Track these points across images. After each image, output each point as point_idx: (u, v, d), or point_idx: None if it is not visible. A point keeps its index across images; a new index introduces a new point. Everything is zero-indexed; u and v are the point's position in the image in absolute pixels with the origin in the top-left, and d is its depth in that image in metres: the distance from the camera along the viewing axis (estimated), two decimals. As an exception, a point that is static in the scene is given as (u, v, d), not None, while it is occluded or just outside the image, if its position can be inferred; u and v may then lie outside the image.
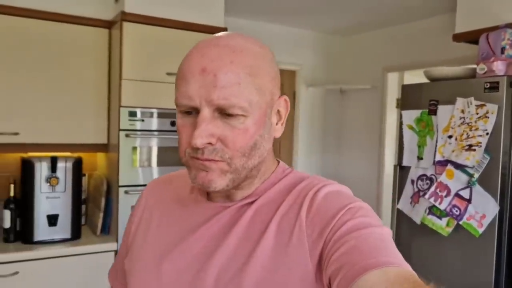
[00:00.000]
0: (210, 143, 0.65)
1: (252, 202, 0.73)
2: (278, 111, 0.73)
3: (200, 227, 0.74)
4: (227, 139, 0.65)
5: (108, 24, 2.55)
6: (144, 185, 2.45)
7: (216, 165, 0.66)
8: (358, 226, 0.63)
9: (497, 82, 2.03)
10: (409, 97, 2.48)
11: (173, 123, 2.52)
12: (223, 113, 0.65)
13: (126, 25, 2.37)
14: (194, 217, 0.76)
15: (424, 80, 2.46)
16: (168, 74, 2.48)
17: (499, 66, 2.07)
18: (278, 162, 0.80)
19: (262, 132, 0.69)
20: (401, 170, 2.49)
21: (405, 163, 2.47)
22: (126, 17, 2.36)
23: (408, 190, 2.44)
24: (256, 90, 0.66)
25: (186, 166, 0.71)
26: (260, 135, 0.68)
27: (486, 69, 2.10)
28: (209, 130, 0.64)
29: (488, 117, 2.04)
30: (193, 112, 0.66)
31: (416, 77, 3.28)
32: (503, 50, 2.09)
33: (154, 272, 0.75)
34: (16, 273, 2.15)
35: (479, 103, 2.08)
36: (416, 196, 2.38)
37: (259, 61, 0.67)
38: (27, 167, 2.31)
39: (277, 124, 0.73)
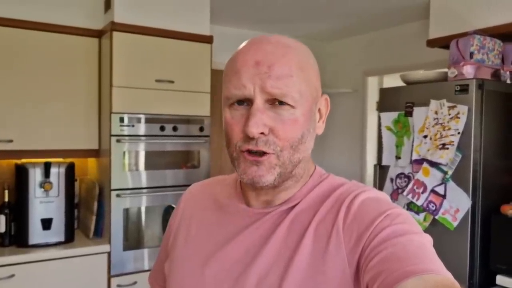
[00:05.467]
0: (263, 133, 0.66)
1: (291, 209, 0.73)
2: (319, 110, 0.75)
3: (240, 233, 0.75)
4: (278, 129, 0.67)
5: (98, 34, 2.64)
6: (133, 189, 2.54)
7: (267, 160, 0.68)
8: (396, 232, 0.62)
9: (467, 85, 2.17)
10: (387, 100, 2.62)
11: (162, 128, 2.61)
12: (274, 104, 0.67)
13: (116, 35, 2.46)
14: (234, 224, 0.77)
15: (401, 83, 2.60)
16: (157, 81, 2.58)
17: (468, 70, 2.22)
18: (315, 166, 0.80)
19: (309, 125, 0.70)
20: (381, 169, 2.62)
21: (384, 162, 2.60)
22: (115, 27, 2.45)
23: (388, 188, 2.56)
24: (305, 83, 0.69)
25: (233, 162, 0.71)
26: (307, 128, 0.70)
27: (456, 73, 2.24)
28: (263, 119, 0.66)
29: (459, 118, 2.18)
30: (244, 103, 0.68)
31: (395, 80, 3.43)
32: (471, 55, 2.24)
33: (195, 277, 0.76)
34: (12, 276, 2.22)
35: (450, 104, 2.22)
36: (395, 194, 2.51)
37: (307, 58, 0.71)
38: (21, 173, 2.39)
39: (318, 121, 0.75)
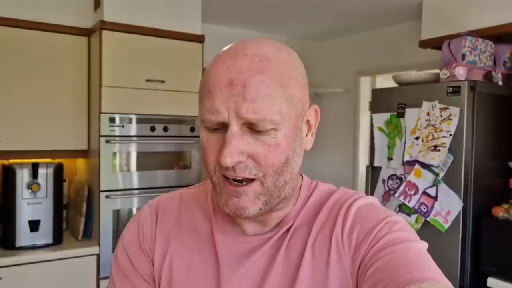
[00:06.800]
0: (240, 161, 0.60)
1: (288, 229, 0.70)
2: (308, 121, 0.68)
3: (243, 263, 0.69)
4: (259, 156, 0.60)
5: (87, 32, 2.60)
6: (124, 190, 2.51)
7: (250, 188, 0.62)
8: (394, 240, 0.61)
9: (459, 87, 2.16)
10: (379, 100, 2.61)
11: (152, 129, 2.58)
12: (253, 127, 0.59)
13: (105, 33, 2.43)
14: (232, 253, 0.70)
15: (394, 83, 2.59)
16: (147, 80, 2.55)
17: (460, 72, 2.21)
18: (302, 177, 0.76)
19: (294, 145, 0.63)
20: (373, 171, 2.61)
21: (376, 163, 2.59)
22: (105, 25, 2.42)
23: (380, 189, 2.56)
24: (286, 101, 0.60)
25: (215, 187, 0.65)
26: (292, 149, 0.63)
27: (448, 74, 2.24)
28: (239, 147, 0.59)
29: (451, 119, 2.18)
30: (219, 128, 0.61)
31: (388, 80, 3.42)
32: (463, 56, 2.23)
33: None
34: (-1, 278, 2.19)
35: (442, 106, 2.21)
36: (387, 195, 2.50)
37: (289, 70, 0.62)
38: (9, 174, 2.34)
39: (306, 135, 0.68)
